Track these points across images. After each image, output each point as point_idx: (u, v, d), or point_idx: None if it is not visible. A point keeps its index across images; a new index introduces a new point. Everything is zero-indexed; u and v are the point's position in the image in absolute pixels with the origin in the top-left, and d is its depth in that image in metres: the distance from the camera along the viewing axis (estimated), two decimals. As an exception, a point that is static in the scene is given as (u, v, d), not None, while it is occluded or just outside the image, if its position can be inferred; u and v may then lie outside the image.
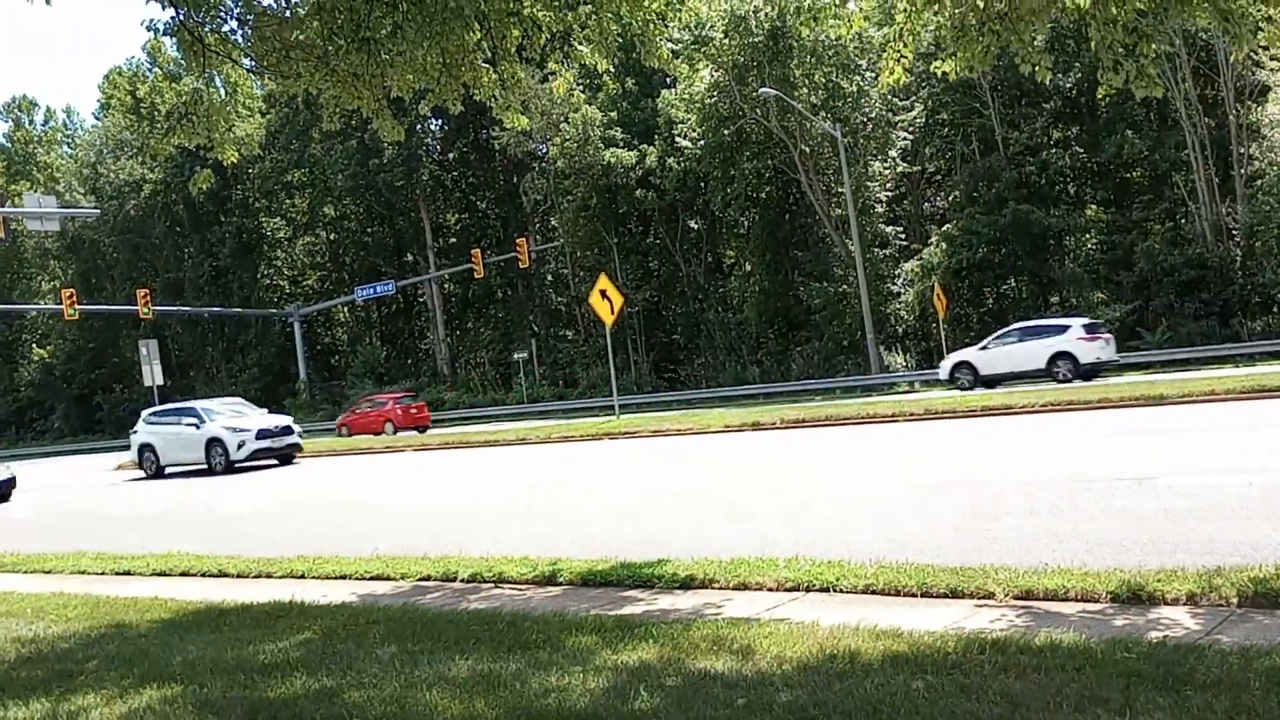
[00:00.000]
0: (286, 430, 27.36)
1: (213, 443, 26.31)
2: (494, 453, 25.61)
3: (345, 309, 64.02)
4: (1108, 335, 29.13)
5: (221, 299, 61.08)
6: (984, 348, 29.40)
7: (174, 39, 10.54)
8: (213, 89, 12.97)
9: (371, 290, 53.85)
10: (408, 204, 57.10)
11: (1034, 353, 28.15)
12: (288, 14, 10.37)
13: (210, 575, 10.40)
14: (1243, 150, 36.43)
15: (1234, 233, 36.19)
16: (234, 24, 10.51)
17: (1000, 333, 29.95)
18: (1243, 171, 36.36)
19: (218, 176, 57.22)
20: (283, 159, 59.45)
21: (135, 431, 28.97)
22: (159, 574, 10.79)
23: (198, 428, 26.80)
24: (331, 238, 63.99)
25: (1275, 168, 35.05)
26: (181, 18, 10.00)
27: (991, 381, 28.56)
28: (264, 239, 63.83)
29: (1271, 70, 34.32)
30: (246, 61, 10.81)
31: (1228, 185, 37.37)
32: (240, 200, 62.27)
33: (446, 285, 59.23)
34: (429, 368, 58.18)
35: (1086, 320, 29.48)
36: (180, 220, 63.41)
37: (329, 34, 10.05)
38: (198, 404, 28.98)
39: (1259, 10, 8.26)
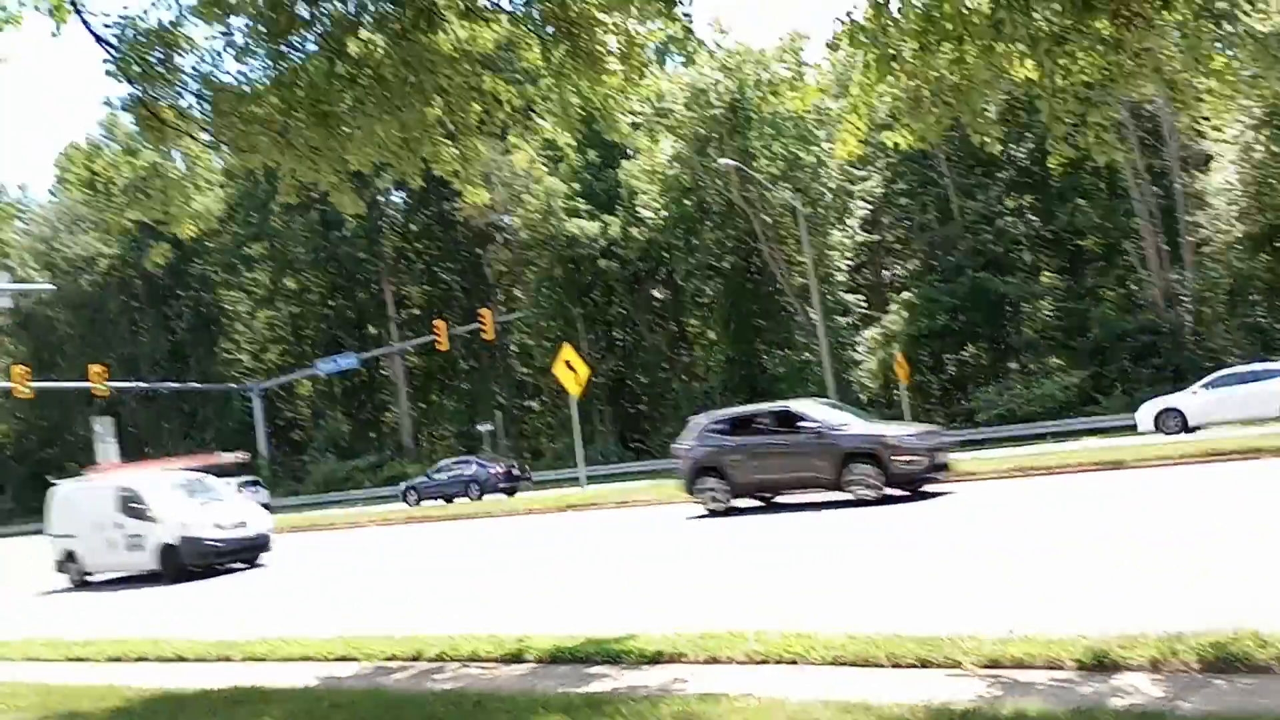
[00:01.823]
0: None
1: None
2: (457, 527, 25.24)
3: (307, 382, 63.42)
4: None
5: (179, 374, 60.36)
6: (1194, 393, 27.29)
7: (132, 114, 10.51)
8: (171, 163, 12.92)
9: (334, 363, 53.44)
10: (370, 276, 57.03)
11: (1262, 396, 25.71)
12: (246, 88, 10.37)
13: (167, 660, 10.07)
14: (1189, 218, 37.36)
15: (1184, 299, 36.93)
16: (192, 99, 10.48)
17: (1210, 379, 27.72)
18: (1190, 239, 37.25)
19: (176, 251, 56.85)
20: (243, 232, 59.30)
21: None
22: (114, 660, 10.44)
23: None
24: (293, 311, 63.60)
25: (1221, 235, 35.94)
26: (140, 93, 9.97)
27: (1201, 428, 26.54)
28: (223, 313, 63.40)
29: (1214, 140, 35.37)
30: (204, 136, 10.78)
31: (1176, 252, 38.24)
32: (199, 274, 61.91)
33: (410, 358, 58.95)
34: (393, 441, 57.61)
35: None
36: (137, 295, 62.89)
37: (288, 109, 10.04)
38: None
39: (1201, 82, 8.49)
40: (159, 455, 62.05)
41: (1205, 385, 27.56)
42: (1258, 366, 27.93)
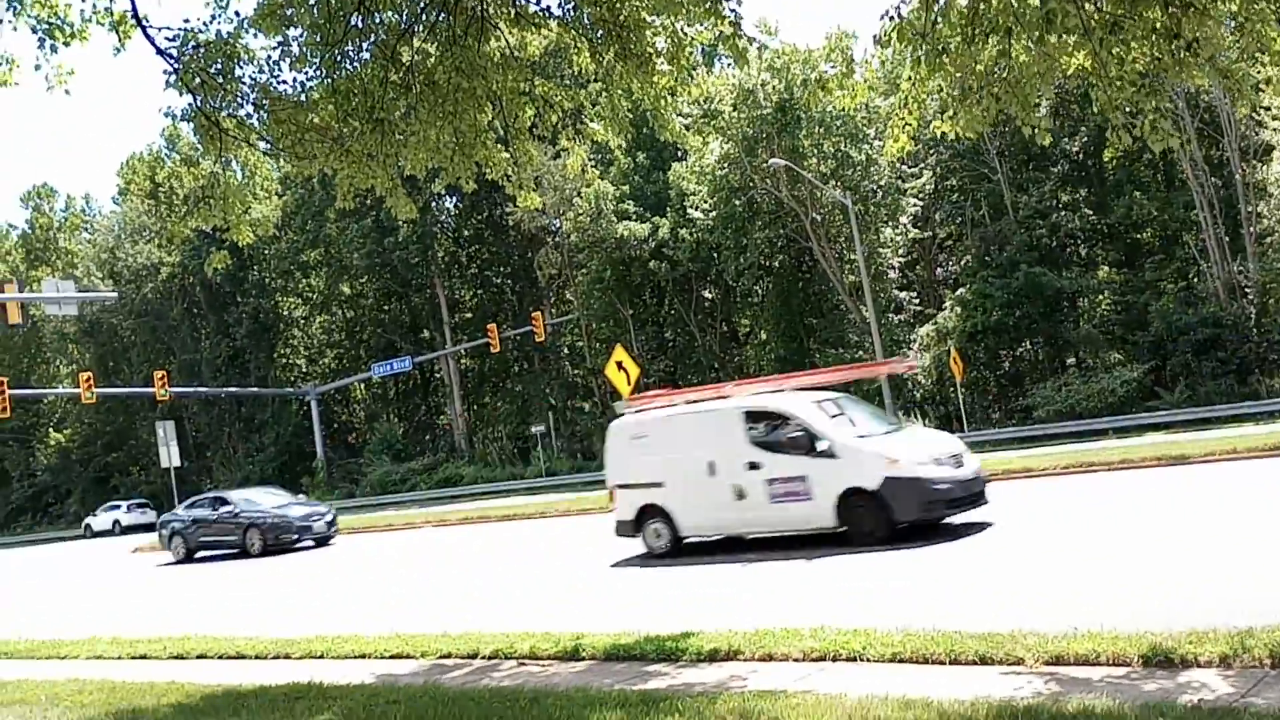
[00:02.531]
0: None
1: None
2: (513, 527, 25.43)
3: (362, 386, 64.21)
4: None
5: (238, 379, 61.41)
6: None
7: (191, 124, 10.75)
8: (230, 172, 13.19)
9: (388, 367, 54.03)
10: (423, 281, 57.58)
11: None
12: (303, 98, 10.57)
13: (228, 657, 10.29)
14: (1250, 209, 36.50)
15: (1247, 290, 36.09)
16: (250, 108, 10.71)
17: None
18: (1252, 230, 36.39)
19: (234, 258, 57.92)
20: (299, 239, 60.20)
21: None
22: (176, 657, 10.68)
23: None
24: (348, 316, 64.46)
25: (1285, 225, 35.09)
26: (199, 104, 10.21)
27: None
28: (280, 319, 64.42)
29: (1275, 130, 34.51)
30: (262, 145, 11.01)
31: (1238, 244, 37.36)
32: (257, 281, 62.96)
33: (463, 360, 59.43)
34: (446, 443, 58.13)
35: None
36: (197, 302, 64.11)
37: (343, 116, 10.23)
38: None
39: (1259, 71, 8.32)
40: (218, 459, 63.47)
41: None
42: None
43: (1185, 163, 36.25)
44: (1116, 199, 41.30)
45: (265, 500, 27.57)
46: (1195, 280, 39.83)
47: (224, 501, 27.64)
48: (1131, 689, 5.58)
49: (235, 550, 26.33)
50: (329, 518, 27.54)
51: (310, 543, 26.45)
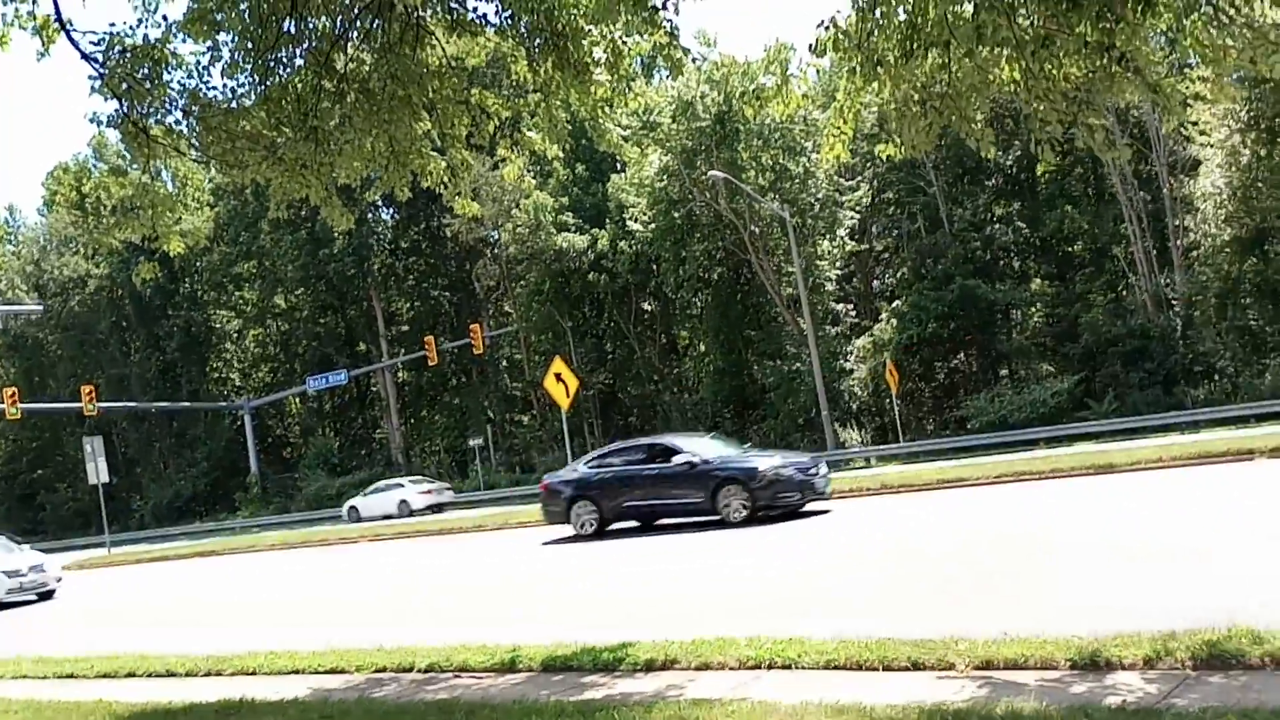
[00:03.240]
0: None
1: None
2: (450, 541, 25.17)
3: (297, 400, 63.26)
4: None
5: (170, 393, 60.16)
6: None
7: (118, 131, 10.52)
8: (160, 182, 12.92)
9: (324, 380, 53.29)
10: (359, 293, 56.97)
11: None
12: (234, 105, 10.39)
13: (157, 675, 10.02)
14: (1177, 223, 37.57)
15: (1173, 303, 37.11)
16: (179, 115, 10.49)
17: None
18: (1179, 243, 37.45)
19: (165, 270, 56.76)
20: (232, 251, 59.19)
21: None
22: (104, 676, 10.39)
23: None
24: (282, 329, 63.49)
25: (1209, 239, 36.13)
26: (126, 110, 9.98)
27: None
28: (213, 332, 63.27)
29: (1201, 145, 35.58)
30: (192, 152, 10.80)
31: (1165, 257, 38.44)
32: (188, 294, 61.81)
33: (400, 373, 58.85)
34: (383, 457, 57.45)
35: None
36: (127, 315, 62.72)
37: (276, 124, 10.07)
38: None
39: (1187, 87, 8.54)
40: (148, 476, 62.00)
41: None
42: None
43: (1115, 177, 37.22)
44: (1049, 212, 42.33)
45: (712, 449, 19.53)
46: (1124, 293, 40.89)
47: (671, 450, 19.24)
48: (1060, 692, 5.67)
49: (693, 517, 18.41)
50: (825, 471, 19.52)
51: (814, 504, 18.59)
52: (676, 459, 18.45)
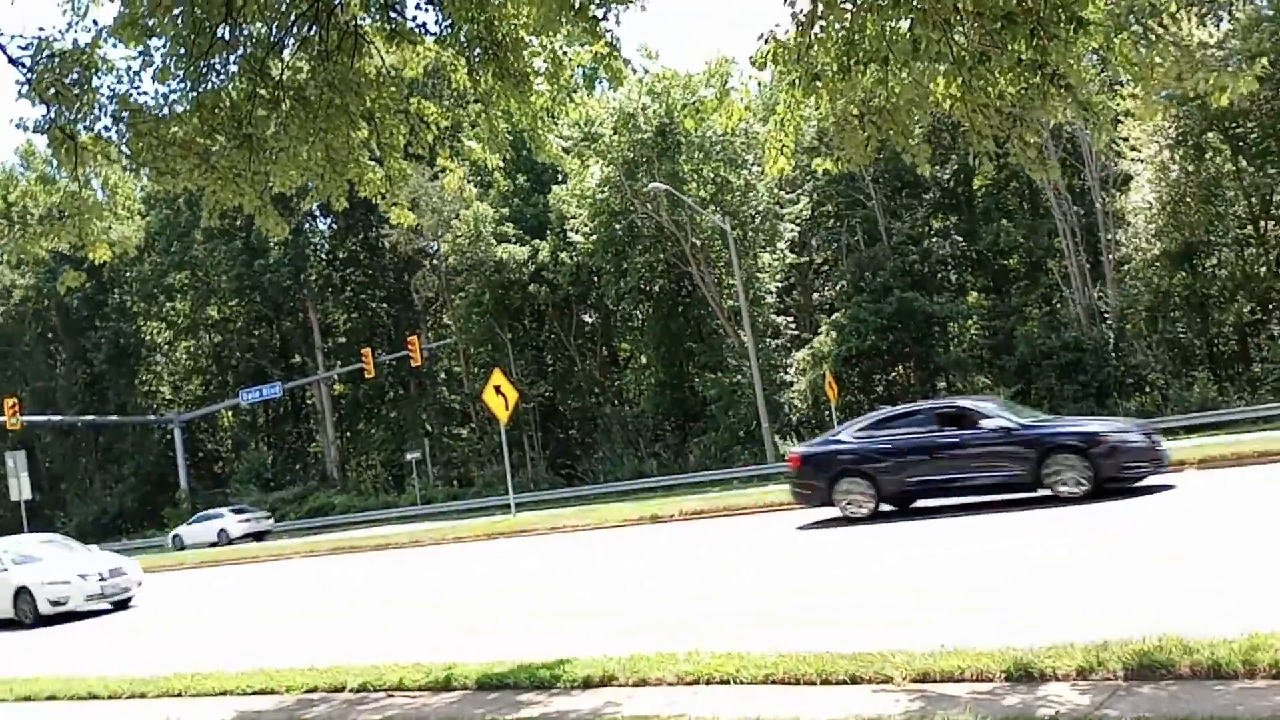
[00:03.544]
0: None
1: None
2: (384, 557, 24.82)
3: (229, 413, 62.05)
4: None
5: (97, 407, 58.65)
6: None
7: (45, 137, 10.23)
8: (89, 190, 12.58)
9: (257, 393, 52.35)
10: (295, 304, 56.12)
11: None
12: (165, 111, 10.16)
13: (79, 699, 9.70)
14: (1110, 237, 38.42)
15: (1106, 316, 37.93)
16: (108, 121, 10.23)
17: None
18: (1111, 257, 38.31)
19: (93, 281, 55.47)
20: (163, 261, 57.98)
21: None
22: (24, 699, 10.03)
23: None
24: (215, 340, 62.28)
25: (1140, 253, 36.99)
26: (53, 115, 9.71)
27: None
28: (143, 344, 61.81)
29: (1132, 160, 36.45)
30: (122, 160, 10.53)
31: (1098, 270, 39.29)
32: (117, 304, 60.37)
33: (336, 386, 57.99)
34: (318, 471, 56.54)
35: None
36: (52, 326, 61.11)
37: (209, 131, 9.87)
38: None
39: (1118, 104, 8.72)
40: (73, 491, 60.28)
41: None
42: None
43: (1049, 192, 37.99)
44: (985, 226, 43.08)
45: (1019, 413, 16.74)
46: (1058, 306, 41.71)
47: (974, 414, 16.01)
48: (994, 704, 5.71)
49: (1004, 494, 15.60)
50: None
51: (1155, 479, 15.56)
52: (986, 424, 15.44)
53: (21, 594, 18.16)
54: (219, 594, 21.17)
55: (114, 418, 57.51)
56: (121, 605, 19.08)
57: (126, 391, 60.08)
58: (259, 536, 41.89)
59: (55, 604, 17.93)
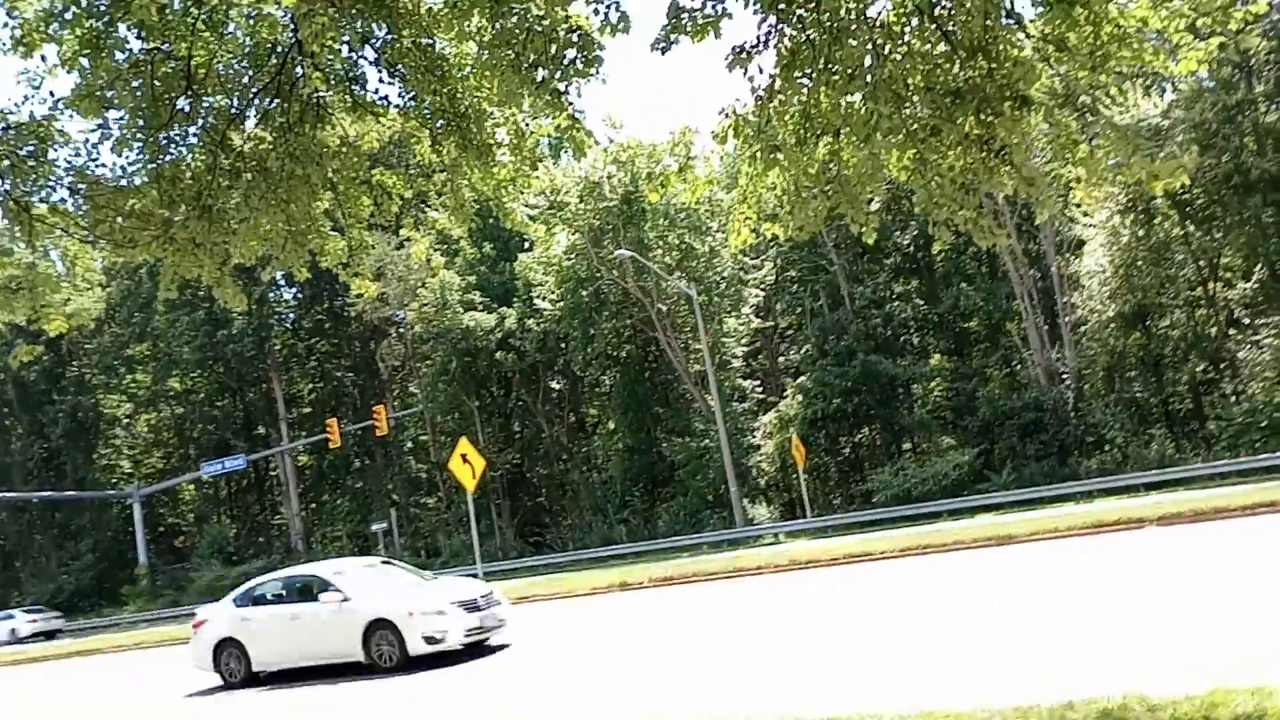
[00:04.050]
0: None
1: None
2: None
3: (191, 487, 61.00)
4: None
5: (53, 482, 57.44)
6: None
7: (0, 209, 10.13)
8: (48, 261, 12.49)
9: (220, 466, 51.53)
10: (259, 374, 55.60)
11: None
12: (124, 182, 10.12)
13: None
14: (1065, 299, 39.07)
15: (1064, 376, 38.41)
16: (65, 193, 10.18)
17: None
18: (1068, 319, 38.91)
19: (51, 353, 54.74)
20: (124, 332, 57.37)
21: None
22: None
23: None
24: (177, 413, 61.43)
25: (1095, 315, 37.62)
26: (7, 188, 9.63)
27: None
28: (102, 417, 60.81)
29: (1084, 226, 37.26)
30: (78, 231, 10.45)
31: (1056, 332, 39.86)
32: (76, 377, 59.45)
33: (300, 457, 57.30)
34: (282, 544, 55.55)
35: None
36: (8, 401, 60.01)
37: (168, 202, 9.82)
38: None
39: (1069, 171, 8.93)
40: (28, 570, 58.75)
41: None
42: None
43: (1006, 255, 38.65)
44: (945, 290, 43.71)
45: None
46: (1018, 367, 42.24)
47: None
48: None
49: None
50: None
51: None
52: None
53: (378, 630, 14.44)
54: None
55: (71, 493, 56.33)
56: (476, 645, 14.94)
57: (85, 466, 58.95)
58: (51, 635, 43.14)
59: (431, 641, 14.14)
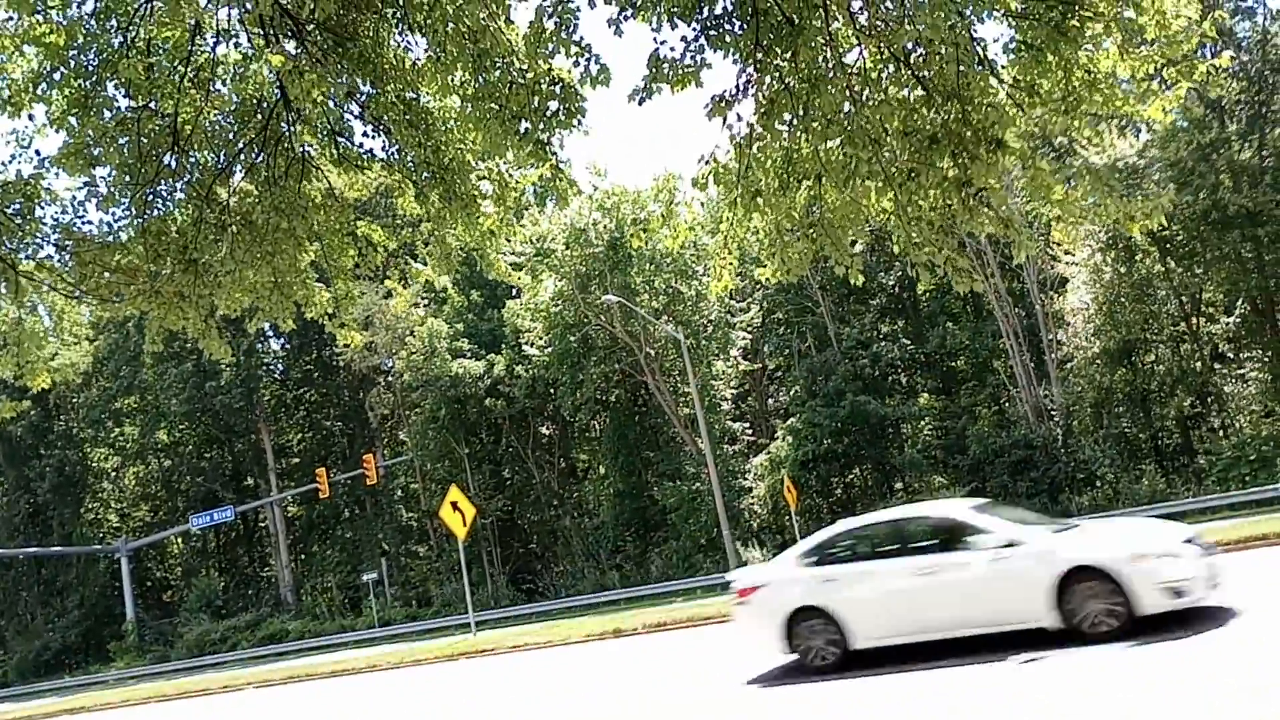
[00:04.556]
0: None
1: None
2: (341, 684, 24.04)
3: (179, 540, 60.47)
4: None
5: (40, 538, 56.90)
6: None
7: (-14, 267, 10.17)
8: (35, 317, 12.51)
9: (208, 518, 51.11)
10: (247, 425, 55.37)
11: None
12: (110, 238, 10.19)
13: None
14: (1051, 337, 39.30)
15: (1053, 413, 38.53)
16: (52, 249, 10.24)
17: None
18: (1054, 356, 39.12)
19: (38, 408, 54.48)
20: (111, 386, 57.13)
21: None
22: None
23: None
24: (165, 465, 61.04)
25: (1081, 351, 37.83)
26: (-6, 246, 9.69)
27: None
28: (89, 471, 60.36)
29: (1066, 264, 37.58)
30: (64, 287, 10.49)
31: (1042, 369, 40.04)
32: (63, 431, 59.13)
33: (289, 508, 56.92)
34: (271, 596, 55.01)
35: None
36: (-6, 456, 59.65)
37: (154, 256, 9.88)
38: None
39: (1048, 211, 9.07)
40: (12, 628, 57.95)
41: None
42: None
43: (990, 294, 38.93)
44: (931, 329, 43.93)
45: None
46: (1006, 405, 42.35)
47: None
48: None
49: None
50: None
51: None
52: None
53: (1081, 582, 10.36)
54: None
55: (58, 548, 55.77)
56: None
57: (71, 521, 58.38)
58: None
59: (1173, 594, 10.16)
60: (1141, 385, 37.79)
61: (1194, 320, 37.66)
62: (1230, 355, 37.74)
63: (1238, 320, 36.60)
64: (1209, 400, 38.22)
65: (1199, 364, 37.40)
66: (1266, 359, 36.41)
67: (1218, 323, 37.66)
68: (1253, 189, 32.94)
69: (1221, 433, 37.14)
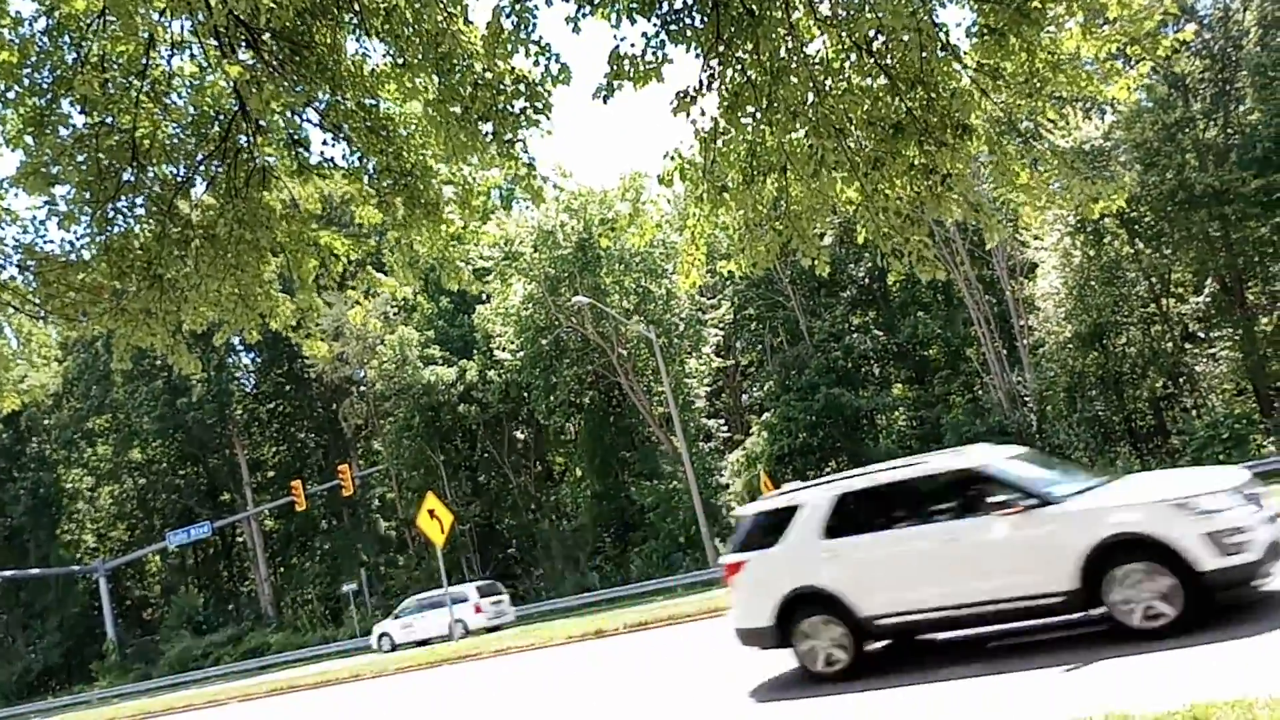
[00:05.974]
0: None
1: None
2: (326, 695, 23.85)
3: (157, 557, 59.88)
4: None
5: (16, 562, 56.12)
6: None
7: (-55, 290, 10.02)
8: (2, 339, 12.34)
9: (185, 535, 50.62)
10: (221, 441, 54.92)
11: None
12: (73, 257, 10.04)
13: None
14: (1022, 323, 39.54)
15: (1026, 399, 38.76)
16: (14, 270, 10.09)
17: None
18: (1025, 342, 39.35)
19: (10, 430, 53.86)
20: (82, 406, 56.53)
21: None
22: None
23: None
24: (139, 484, 60.45)
25: (1053, 336, 38.08)
26: (-48, 267, 9.53)
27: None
28: (63, 492, 59.69)
29: (1036, 249, 37.80)
30: (28, 308, 10.34)
31: (1015, 355, 40.28)
32: (35, 454, 58.42)
33: (267, 521, 56.50)
34: (252, 610, 54.60)
35: None
36: (-35, 482, 58.84)
37: (119, 274, 9.75)
38: None
39: (1016, 196, 9.09)
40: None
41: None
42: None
43: (960, 282, 39.12)
44: (903, 319, 44.09)
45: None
46: (980, 392, 42.59)
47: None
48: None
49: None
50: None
51: None
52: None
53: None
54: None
55: (35, 571, 55.07)
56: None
57: (48, 543, 57.70)
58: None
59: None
60: (1114, 368, 38.07)
61: (1164, 301, 37.99)
62: (1201, 335, 38.08)
63: (1207, 299, 36.93)
64: (1181, 380, 38.58)
65: (1170, 344, 37.74)
66: (1236, 337, 36.76)
67: (1187, 303, 38.00)
68: (1219, 167, 33.28)
69: (1194, 412, 37.49)
